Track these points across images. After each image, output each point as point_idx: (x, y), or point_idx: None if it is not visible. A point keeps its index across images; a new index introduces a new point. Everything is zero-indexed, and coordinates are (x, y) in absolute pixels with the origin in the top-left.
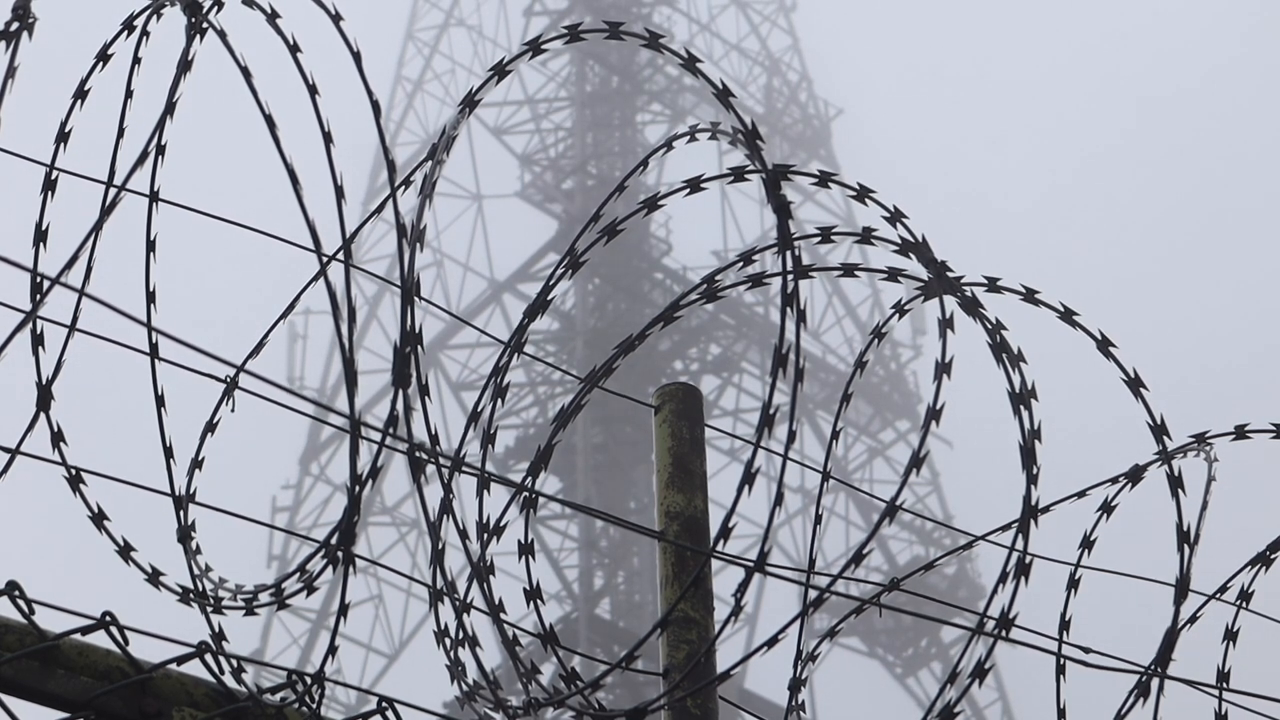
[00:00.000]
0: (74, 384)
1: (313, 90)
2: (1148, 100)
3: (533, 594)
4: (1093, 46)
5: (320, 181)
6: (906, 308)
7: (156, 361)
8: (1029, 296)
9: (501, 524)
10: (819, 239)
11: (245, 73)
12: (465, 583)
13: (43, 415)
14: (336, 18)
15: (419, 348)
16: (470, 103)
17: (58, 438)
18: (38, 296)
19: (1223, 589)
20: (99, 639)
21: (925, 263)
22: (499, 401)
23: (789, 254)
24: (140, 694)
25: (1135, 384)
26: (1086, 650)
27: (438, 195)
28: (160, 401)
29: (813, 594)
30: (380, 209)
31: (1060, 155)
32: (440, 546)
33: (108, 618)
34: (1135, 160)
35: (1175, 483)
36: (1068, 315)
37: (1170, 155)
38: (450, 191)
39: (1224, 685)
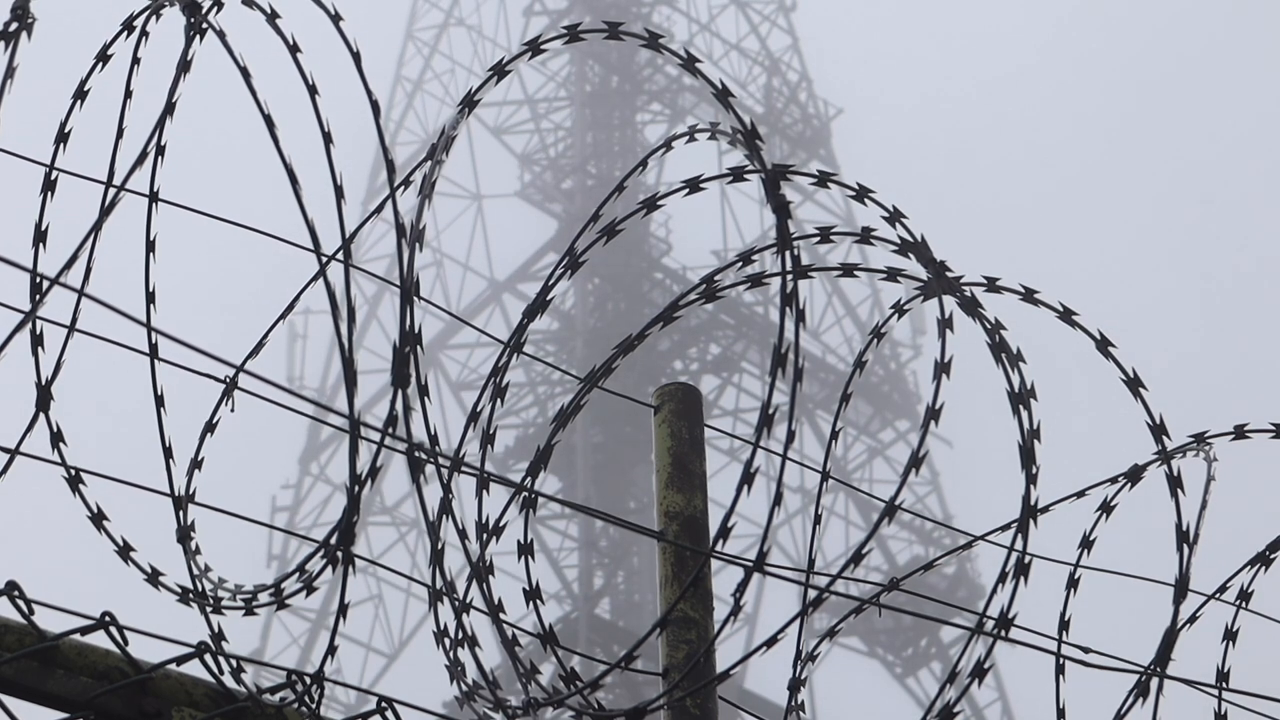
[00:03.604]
0: (74, 384)
1: (313, 90)
2: (1167, 105)
3: (532, 594)
4: (1099, 42)
5: (320, 181)
6: (906, 308)
7: (156, 361)
8: (1028, 296)
9: (501, 524)
10: (818, 239)
11: (245, 73)
12: (465, 583)
13: (42, 415)
14: (336, 18)
15: (418, 348)
16: (470, 103)
17: (57, 438)
18: (37, 296)
19: (1222, 589)
20: (99, 639)
21: (924, 263)
22: (498, 401)
23: (788, 254)
24: (140, 694)
25: (1134, 384)
26: (1086, 650)
27: (437, 195)
28: (160, 401)
29: (812, 594)
30: (380, 209)
31: (1063, 151)
32: (440, 546)
33: (107, 618)
34: (1146, 159)
35: (1175, 483)
36: (1067, 315)
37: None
38: (450, 191)
39: (1224, 685)
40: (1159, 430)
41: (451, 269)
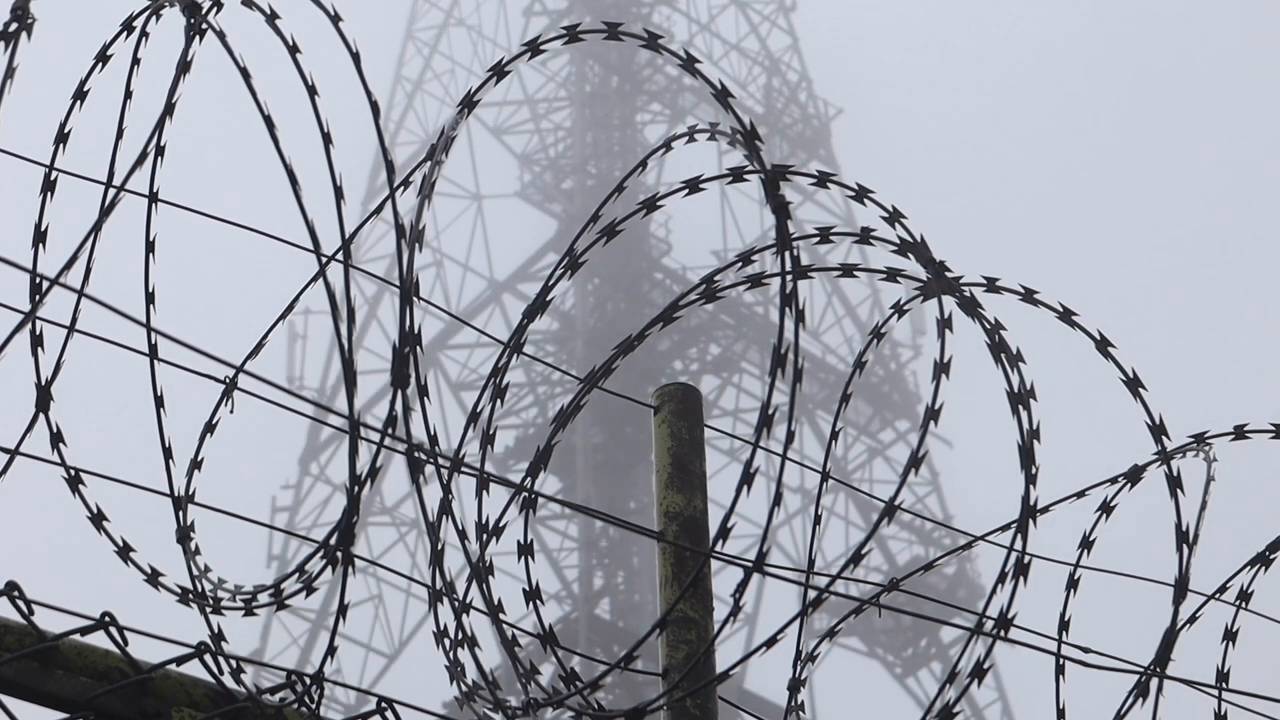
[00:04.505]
0: (74, 384)
1: (312, 90)
2: (1166, 107)
3: (532, 594)
4: (1102, 40)
5: (320, 181)
6: (905, 308)
7: (156, 362)
8: (1028, 296)
9: (501, 524)
10: (818, 239)
11: (244, 73)
12: (465, 583)
13: (42, 416)
14: (336, 18)
15: (418, 348)
16: (469, 103)
17: (57, 438)
18: (37, 297)
19: (1222, 589)
20: (98, 639)
21: (924, 263)
22: (498, 402)
23: (788, 254)
24: (139, 694)
25: (1134, 384)
26: (1086, 650)
27: (437, 195)
28: (160, 402)
29: (812, 594)
30: (379, 209)
31: (1062, 152)
32: (439, 547)
33: (107, 618)
34: (1146, 160)
35: (1174, 483)
36: (1067, 315)
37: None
38: (450, 191)
39: (1223, 685)
40: (1159, 430)
41: (451, 269)
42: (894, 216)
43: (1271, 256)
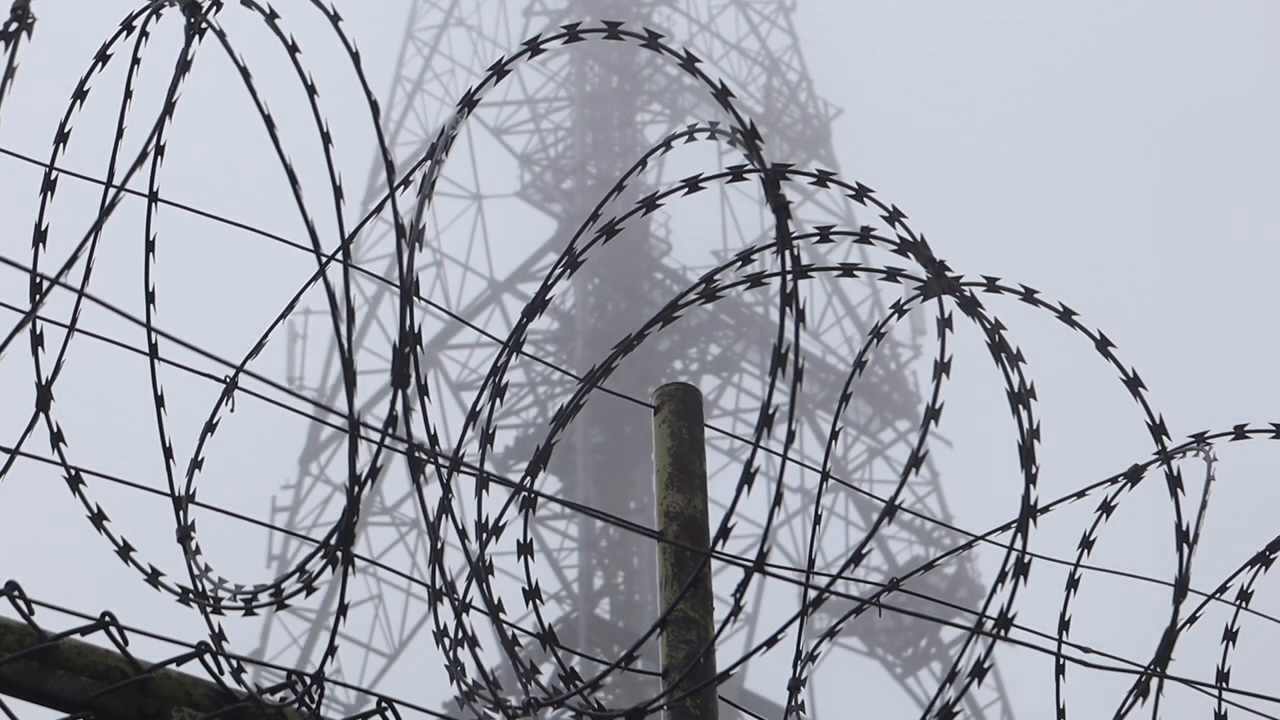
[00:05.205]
0: (74, 384)
1: (312, 90)
2: (1164, 108)
3: (532, 594)
4: (1100, 41)
5: (320, 181)
6: (906, 307)
7: (156, 361)
8: (1028, 296)
9: (500, 524)
10: (818, 239)
11: (244, 73)
12: (464, 583)
13: (42, 415)
14: (336, 18)
15: (418, 348)
16: (469, 103)
17: (57, 438)
18: (37, 297)
19: (1222, 589)
20: (98, 639)
21: (924, 262)
22: (498, 401)
23: (788, 254)
24: (140, 694)
25: (1134, 384)
26: (1086, 650)
27: (437, 195)
28: (160, 401)
29: (812, 594)
30: (379, 209)
31: (1062, 151)
32: (439, 546)
33: (107, 618)
34: (1145, 161)
35: (1174, 483)
36: (1067, 315)
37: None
38: (450, 191)
39: (1223, 685)
40: (1159, 430)
41: (451, 269)
42: (894, 216)
43: (1272, 256)
